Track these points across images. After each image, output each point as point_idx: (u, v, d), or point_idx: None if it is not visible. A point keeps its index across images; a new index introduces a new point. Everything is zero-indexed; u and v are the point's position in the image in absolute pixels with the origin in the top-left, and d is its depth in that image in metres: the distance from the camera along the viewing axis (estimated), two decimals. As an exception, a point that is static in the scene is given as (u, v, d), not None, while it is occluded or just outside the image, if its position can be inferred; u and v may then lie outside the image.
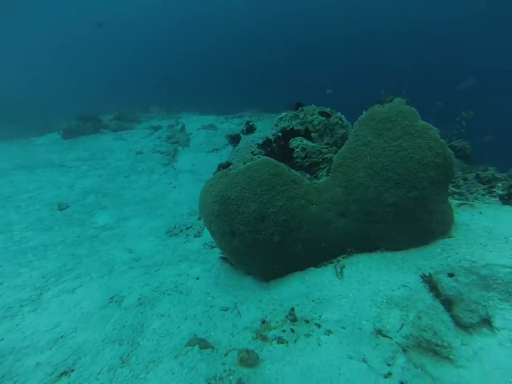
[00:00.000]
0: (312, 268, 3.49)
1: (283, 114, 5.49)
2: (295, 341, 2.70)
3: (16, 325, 3.43)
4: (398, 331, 2.59)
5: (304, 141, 3.76)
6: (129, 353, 2.89)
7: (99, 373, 2.71)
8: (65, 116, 14.33)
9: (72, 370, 2.78)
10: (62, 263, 4.53)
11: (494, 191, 4.30)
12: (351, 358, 2.45)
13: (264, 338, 2.81)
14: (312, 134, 4.58)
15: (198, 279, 4.05)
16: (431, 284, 2.90)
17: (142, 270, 4.37)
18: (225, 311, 3.36)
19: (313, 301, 3.08)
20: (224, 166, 3.52)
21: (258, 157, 3.32)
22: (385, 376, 2.27)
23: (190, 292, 3.78)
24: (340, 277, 3.22)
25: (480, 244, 3.23)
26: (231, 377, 2.43)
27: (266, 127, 6.88)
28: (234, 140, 6.10)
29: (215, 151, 10.81)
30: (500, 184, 4.36)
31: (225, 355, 2.69)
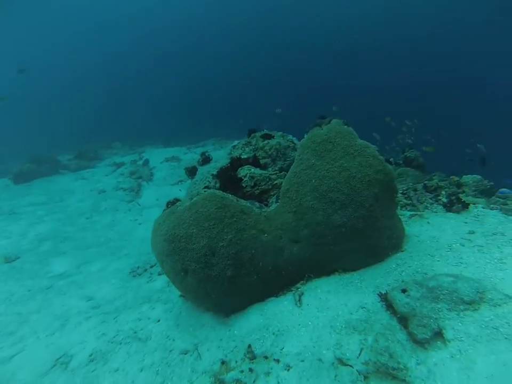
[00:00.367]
0: (272, 298, 3.39)
1: (236, 142, 5.55)
2: (253, 382, 2.54)
3: None
4: (358, 357, 2.51)
5: (252, 169, 3.77)
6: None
7: None
8: (16, 158, 13.40)
9: None
10: (3, 325, 4.09)
11: (440, 199, 4.48)
12: (310, 395, 2.33)
13: (222, 383, 2.63)
14: (265, 160, 4.62)
15: (159, 321, 3.82)
16: (387, 302, 2.89)
17: (99, 318, 4.06)
18: (185, 354, 3.15)
19: (273, 333, 2.96)
20: (172, 203, 3.43)
21: (204, 191, 3.27)
22: (345, 411, 2.17)
23: (150, 337, 3.54)
24: (298, 305, 3.14)
25: (429, 254, 3.30)
26: None
27: (223, 156, 6.90)
28: (191, 172, 6.04)
29: (179, 183, 10.67)
30: (443, 192, 4.57)
31: (181, 409, 2.48)
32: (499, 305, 2.51)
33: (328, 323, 2.84)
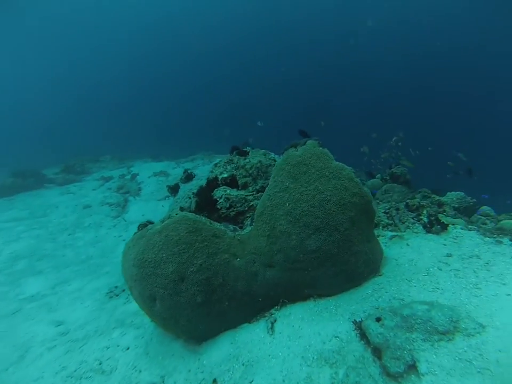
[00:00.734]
0: (245, 324, 3.26)
1: (217, 160, 5.49)
2: (218, 422, 2.39)
3: None
4: (328, 393, 2.39)
5: (228, 190, 3.69)
6: None
7: None
8: (0, 172, 13.00)
9: None
10: None
11: (421, 219, 4.45)
12: None
13: (186, 423, 2.47)
14: (246, 179, 4.56)
15: (128, 349, 3.65)
16: (361, 330, 2.79)
17: (64, 348, 3.85)
18: (150, 388, 2.99)
19: (243, 364, 2.82)
20: (144, 225, 3.32)
21: (176, 214, 3.17)
22: None
23: (115, 368, 3.36)
24: (270, 333, 3.01)
25: (406, 279, 3.23)
26: None
27: (206, 173, 6.84)
28: (173, 190, 5.96)
29: (166, 198, 10.52)
30: (425, 212, 4.54)
31: None
32: (472, 335, 2.43)
33: (299, 354, 2.72)
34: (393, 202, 5.31)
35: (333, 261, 3.08)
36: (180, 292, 2.95)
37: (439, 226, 3.98)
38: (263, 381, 2.59)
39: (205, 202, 3.66)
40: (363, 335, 2.74)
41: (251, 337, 3.03)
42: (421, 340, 2.46)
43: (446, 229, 3.97)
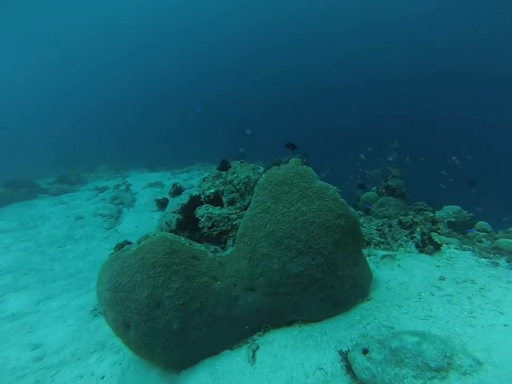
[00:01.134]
0: (227, 351, 3.07)
1: (206, 174, 5.35)
2: None
3: None
4: None
5: (210, 209, 3.54)
6: None
7: None
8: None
9: None
10: None
11: (415, 236, 4.28)
12: None
13: None
14: (233, 195, 4.41)
15: (103, 378, 3.43)
16: (347, 362, 2.60)
17: (35, 377, 3.60)
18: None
19: (221, 399, 2.62)
20: (121, 245, 3.16)
21: (153, 235, 3.01)
22: None
23: (85, 405, 3.14)
24: (251, 362, 2.82)
25: (396, 305, 3.05)
26: None
27: (196, 186, 6.70)
28: (162, 204, 5.82)
29: (159, 210, 10.37)
30: (418, 229, 4.38)
31: None
32: (469, 373, 2.24)
33: (280, 388, 2.52)
34: (386, 219, 5.14)
35: (317, 286, 2.91)
36: (155, 318, 2.77)
37: (431, 246, 3.81)
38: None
39: (187, 220, 3.51)
40: (349, 367, 2.55)
41: (231, 367, 2.84)
42: (412, 376, 2.27)
43: (439, 249, 3.80)
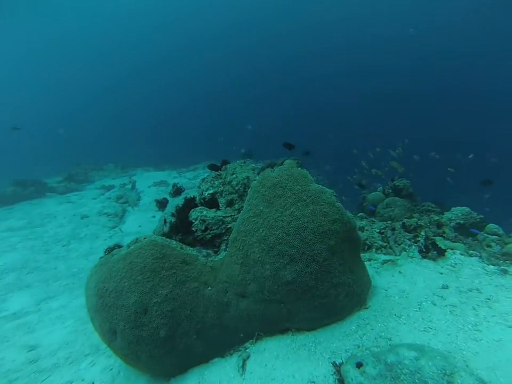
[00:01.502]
0: (217, 359, 2.97)
1: (206, 175, 5.26)
2: None
3: None
4: None
5: (204, 212, 3.44)
6: None
7: None
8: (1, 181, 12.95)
9: None
10: None
11: (419, 240, 4.09)
12: None
13: None
14: (231, 196, 4.31)
15: (92, 384, 3.38)
16: (340, 376, 2.47)
17: (26, 382, 3.58)
18: None
19: (208, 410, 2.53)
20: (110, 249, 3.09)
21: (144, 238, 2.93)
22: None
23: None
24: (241, 372, 2.72)
25: (395, 315, 2.89)
26: None
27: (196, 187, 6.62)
28: (161, 204, 5.77)
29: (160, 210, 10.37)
30: (422, 233, 4.18)
31: None
32: (471, 396, 2.07)
33: (269, 402, 2.41)
34: (389, 222, 4.95)
35: (310, 294, 2.78)
36: (142, 325, 2.69)
37: (435, 252, 3.63)
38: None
39: (180, 223, 3.42)
40: (342, 381, 2.42)
41: (220, 377, 2.74)
42: (408, 395, 2.12)
43: (444, 255, 3.61)
